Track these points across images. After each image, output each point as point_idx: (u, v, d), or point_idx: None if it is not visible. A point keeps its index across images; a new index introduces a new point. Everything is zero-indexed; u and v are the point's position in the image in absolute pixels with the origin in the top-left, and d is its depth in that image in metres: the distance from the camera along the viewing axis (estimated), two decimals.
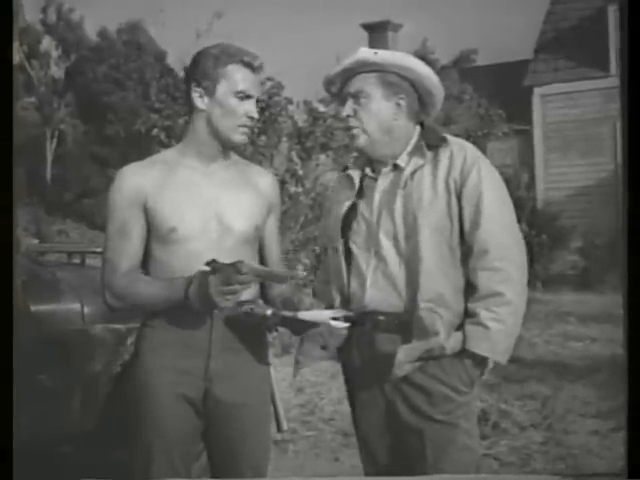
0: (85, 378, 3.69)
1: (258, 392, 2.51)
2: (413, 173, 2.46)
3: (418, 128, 2.55)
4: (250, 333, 2.44)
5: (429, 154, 2.47)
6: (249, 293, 2.45)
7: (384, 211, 2.47)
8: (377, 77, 2.49)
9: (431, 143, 2.48)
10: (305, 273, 7.33)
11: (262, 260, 2.58)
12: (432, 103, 2.57)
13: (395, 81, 2.49)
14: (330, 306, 2.51)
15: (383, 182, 2.51)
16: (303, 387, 6.26)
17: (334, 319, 2.38)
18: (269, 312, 2.35)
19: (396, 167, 2.50)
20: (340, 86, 2.57)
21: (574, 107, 17.59)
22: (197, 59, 2.45)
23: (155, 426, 2.41)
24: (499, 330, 2.35)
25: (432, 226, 2.40)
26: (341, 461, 4.49)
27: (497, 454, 4.62)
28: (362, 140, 2.51)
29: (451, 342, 2.39)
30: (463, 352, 2.39)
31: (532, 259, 12.29)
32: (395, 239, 2.43)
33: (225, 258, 2.40)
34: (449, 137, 2.51)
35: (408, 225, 2.41)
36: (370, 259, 2.47)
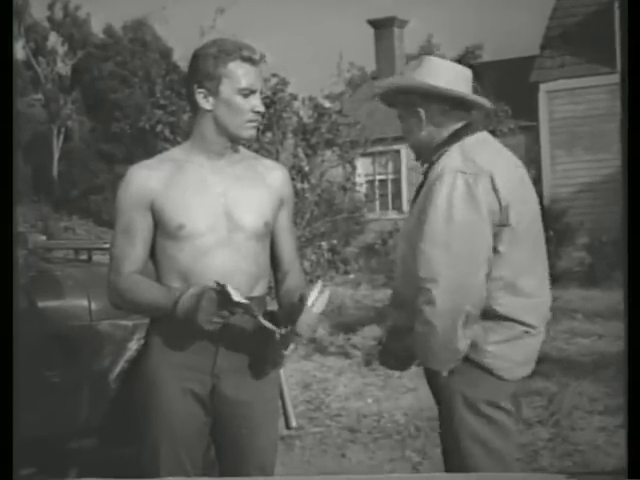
0: (92, 374, 3.70)
1: (266, 389, 2.50)
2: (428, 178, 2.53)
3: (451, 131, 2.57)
4: (258, 330, 2.44)
5: (437, 164, 2.51)
6: (258, 290, 2.47)
7: None
8: (403, 101, 2.57)
9: (432, 155, 2.54)
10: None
11: (274, 256, 2.57)
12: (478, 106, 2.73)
13: (417, 101, 2.54)
14: None
15: None
16: (309, 383, 6.26)
17: None
18: (277, 335, 2.35)
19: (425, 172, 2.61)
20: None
21: (580, 103, 17.54)
22: (196, 60, 2.43)
23: (162, 421, 2.41)
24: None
25: (406, 233, 2.54)
26: (347, 457, 4.47)
27: None
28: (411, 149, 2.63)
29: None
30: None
31: None
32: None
33: (235, 254, 2.40)
34: (456, 146, 2.50)
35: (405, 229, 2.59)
36: None
